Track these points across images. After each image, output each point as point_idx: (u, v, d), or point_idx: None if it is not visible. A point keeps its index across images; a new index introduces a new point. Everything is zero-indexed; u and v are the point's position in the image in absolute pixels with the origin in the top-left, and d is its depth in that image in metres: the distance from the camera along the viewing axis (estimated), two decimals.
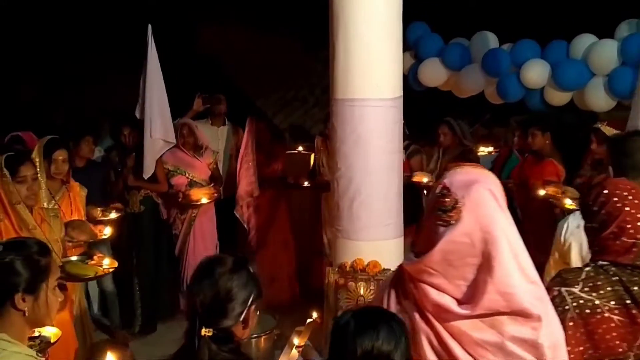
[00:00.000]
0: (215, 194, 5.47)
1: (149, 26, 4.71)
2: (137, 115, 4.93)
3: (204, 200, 5.37)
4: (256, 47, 9.36)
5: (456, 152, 5.45)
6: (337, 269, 3.57)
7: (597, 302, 2.08)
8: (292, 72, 9.26)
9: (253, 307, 1.96)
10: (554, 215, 4.76)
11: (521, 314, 1.78)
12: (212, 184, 5.54)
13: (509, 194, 5.06)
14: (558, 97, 5.25)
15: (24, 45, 9.54)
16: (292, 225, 5.94)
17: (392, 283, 2.03)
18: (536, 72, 5.18)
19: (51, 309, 1.97)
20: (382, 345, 1.65)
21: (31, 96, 9.73)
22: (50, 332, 2.64)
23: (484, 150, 6.13)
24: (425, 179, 5.23)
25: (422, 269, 1.84)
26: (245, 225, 5.71)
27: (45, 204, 3.63)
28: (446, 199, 1.81)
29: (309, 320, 3.97)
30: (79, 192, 4.07)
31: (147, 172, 5.03)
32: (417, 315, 1.87)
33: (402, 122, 3.71)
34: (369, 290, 3.42)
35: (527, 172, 5.22)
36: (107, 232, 4.14)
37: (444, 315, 1.82)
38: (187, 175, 5.48)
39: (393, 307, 1.94)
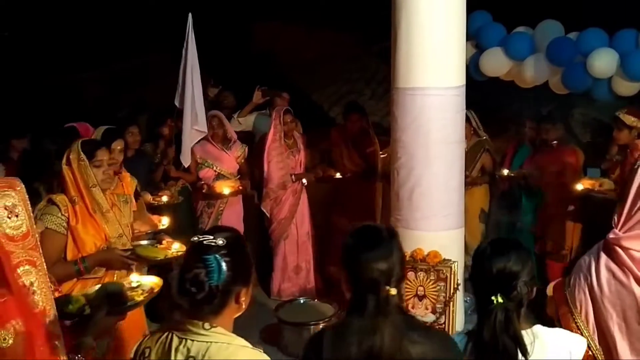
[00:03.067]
0: (240, 187, 5.45)
1: (189, 15, 4.70)
2: (177, 104, 4.91)
3: (226, 192, 5.38)
4: (310, 42, 9.40)
5: (471, 143, 5.53)
6: None
7: None
8: (347, 65, 9.25)
9: None
10: (575, 202, 5.04)
11: None
12: (237, 177, 5.52)
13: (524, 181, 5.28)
14: (626, 87, 5.07)
15: (86, 41, 9.85)
16: (314, 217, 5.93)
17: (597, 254, 2.57)
18: (604, 62, 5.00)
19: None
20: (512, 266, 1.99)
21: (95, 92, 10.05)
22: (150, 281, 2.71)
23: None
24: None
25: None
26: (270, 217, 5.64)
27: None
28: None
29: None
30: (130, 182, 4.15)
31: (187, 161, 5.03)
32: (631, 279, 2.44)
33: (465, 111, 3.65)
34: (428, 280, 3.38)
35: (541, 160, 5.36)
36: (165, 222, 4.20)
37: None
38: (214, 168, 5.47)
39: (604, 273, 2.51)
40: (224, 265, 1.83)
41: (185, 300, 1.82)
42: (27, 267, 1.95)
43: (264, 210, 5.63)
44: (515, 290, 1.98)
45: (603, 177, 4.79)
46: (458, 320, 3.41)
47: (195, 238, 1.88)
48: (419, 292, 3.41)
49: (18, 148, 4.91)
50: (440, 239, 3.49)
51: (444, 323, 3.34)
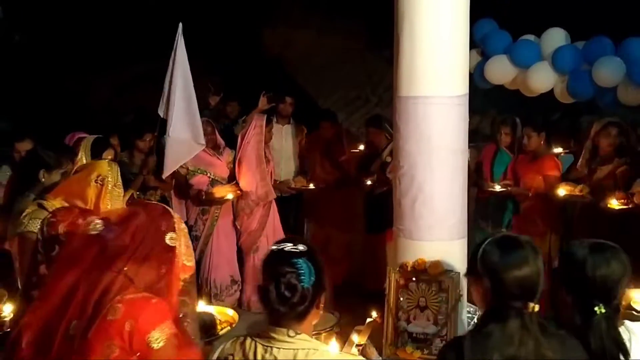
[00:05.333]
0: (239, 192, 5.44)
1: (180, 24, 4.61)
2: (161, 114, 4.78)
3: (229, 197, 5.34)
4: (318, 48, 9.42)
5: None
6: (398, 269, 3.52)
7: None
8: (354, 71, 9.26)
9: None
10: (552, 210, 5.12)
11: None
12: (233, 182, 5.51)
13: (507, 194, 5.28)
14: (632, 96, 5.04)
15: (92, 47, 9.89)
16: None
17: None
18: (610, 70, 4.98)
19: None
20: (614, 274, 2.00)
21: (101, 96, 10.09)
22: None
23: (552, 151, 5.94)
24: None
25: None
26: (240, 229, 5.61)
27: None
28: None
29: (369, 319, 3.95)
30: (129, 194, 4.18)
31: (167, 172, 4.93)
32: None
33: (468, 120, 3.63)
34: (430, 290, 3.36)
35: (521, 170, 5.39)
36: None
37: None
38: (208, 174, 5.46)
39: None
40: (312, 267, 1.90)
41: (283, 306, 1.88)
42: (185, 297, 2.08)
43: (237, 225, 5.56)
44: (616, 297, 2.00)
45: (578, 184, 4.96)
46: (460, 331, 3.38)
47: (274, 247, 1.98)
48: (420, 303, 3.38)
49: (20, 150, 4.90)
50: (443, 249, 3.46)
51: (446, 334, 3.31)
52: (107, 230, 2.01)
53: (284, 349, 1.88)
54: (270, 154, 5.89)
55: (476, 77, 5.63)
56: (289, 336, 1.89)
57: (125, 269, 1.94)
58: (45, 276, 2.27)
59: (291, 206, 6.03)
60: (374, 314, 4.00)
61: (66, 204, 3.07)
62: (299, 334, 1.90)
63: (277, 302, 1.88)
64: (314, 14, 9.43)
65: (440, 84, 3.44)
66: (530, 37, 5.61)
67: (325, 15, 9.35)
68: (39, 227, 2.98)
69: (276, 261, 1.94)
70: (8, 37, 12.04)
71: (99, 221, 2.05)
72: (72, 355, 1.87)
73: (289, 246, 1.95)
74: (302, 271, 1.89)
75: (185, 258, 2.06)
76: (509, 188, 5.35)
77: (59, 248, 2.30)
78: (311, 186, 5.86)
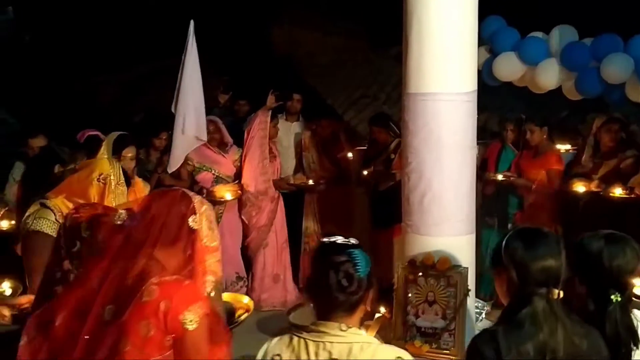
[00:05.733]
0: (240, 192, 5.45)
1: (191, 22, 4.65)
2: (173, 110, 4.80)
3: (228, 197, 5.34)
4: (325, 47, 9.44)
5: None
6: (406, 264, 3.55)
7: None
8: (361, 69, 9.27)
9: None
10: (556, 205, 5.19)
11: None
12: (237, 181, 5.53)
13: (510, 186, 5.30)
14: None
15: (101, 46, 9.95)
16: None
17: None
18: (618, 67, 4.98)
19: None
20: (629, 264, 2.06)
21: (111, 96, 10.15)
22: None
23: (560, 147, 5.96)
24: None
25: None
26: (248, 224, 5.62)
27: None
28: None
29: (377, 314, 3.98)
30: (142, 188, 4.18)
31: (173, 167, 4.92)
32: None
33: (476, 117, 3.65)
34: (439, 285, 3.39)
35: (524, 165, 5.43)
36: None
37: None
38: (212, 171, 5.47)
39: None
40: (367, 259, 1.93)
41: (341, 293, 1.88)
42: (210, 277, 2.13)
43: (244, 218, 5.60)
44: (629, 285, 2.08)
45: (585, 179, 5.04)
46: (468, 326, 3.41)
47: (326, 240, 2.00)
48: (428, 298, 3.41)
49: (34, 147, 4.98)
50: (451, 245, 3.49)
51: (454, 328, 3.34)
52: (131, 219, 2.07)
53: (337, 343, 1.87)
54: (277, 150, 5.92)
55: (484, 74, 5.63)
56: (341, 330, 1.88)
57: (154, 253, 1.99)
58: (70, 271, 2.30)
59: (291, 203, 6.06)
60: (382, 309, 4.03)
61: (69, 203, 3.08)
62: (350, 327, 1.89)
63: (337, 290, 1.88)
64: (318, 13, 9.47)
65: (448, 81, 3.47)
66: (539, 34, 5.61)
67: (328, 15, 9.39)
68: (50, 223, 3.02)
69: (331, 252, 1.95)
70: (18, 37, 12.13)
71: (122, 211, 2.11)
72: (106, 337, 1.92)
73: (340, 239, 1.98)
74: (358, 261, 1.91)
75: (208, 239, 2.10)
76: (512, 178, 5.38)
77: (80, 244, 2.33)
78: (310, 183, 5.88)
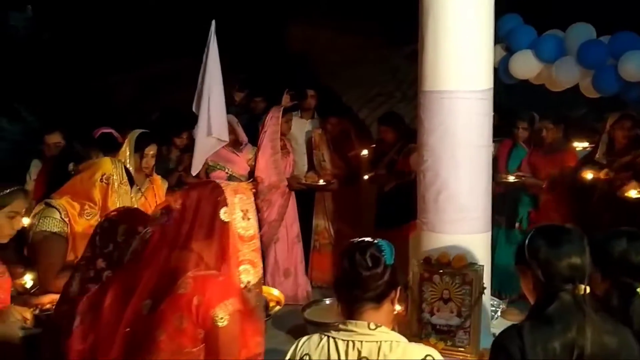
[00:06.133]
0: (254, 190, 5.47)
1: (213, 22, 4.66)
2: (195, 110, 4.88)
3: None
4: (340, 45, 9.44)
5: None
6: (421, 262, 3.55)
7: None
8: (377, 67, 9.25)
9: None
10: (572, 203, 5.14)
11: None
12: (250, 180, 5.55)
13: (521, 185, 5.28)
14: None
15: (118, 45, 10.03)
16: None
17: None
18: (635, 65, 4.94)
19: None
20: None
21: (127, 94, 10.23)
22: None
23: (578, 145, 5.93)
24: None
25: None
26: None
27: (132, 194, 3.77)
28: None
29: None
30: (160, 185, 4.23)
31: (196, 169, 5.01)
32: None
33: (492, 114, 3.65)
34: (454, 283, 3.38)
35: (538, 163, 5.41)
36: None
37: None
38: (226, 170, 5.51)
39: None
40: (393, 251, 1.99)
41: (366, 270, 1.93)
42: (247, 266, 2.14)
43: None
44: None
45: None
46: (483, 324, 3.41)
47: (353, 240, 2.07)
48: (444, 296, 3.41)
49: (50, 144, 5.02)
50: (466, 243, 3.48)
51: (469, 326, 3.34)
52: (167, 215, 2.11)
53: (366, 341, 1.88)
54: (292, 147, 5.95)
55: (501, 72, 5.62)
56: (369, 329, 1.90)
57: (192, 246, 2.04)
58: (103, 270, 2.35)
59: (302, 200, 6.09)
60: (397, 307, 4.03)
61: (74, 203, 3.15)
62: (380, 326, 1.91)
63: (362, 267, 1.93)
64: (333, 12, 9.48)
65: (464, 78, 3.46)
66: (556, 31, 5.58)
67: (343, 13, 9.39)
68: (56, 221, 3.05)
69: (359, 244, 2.02)
70: (37, 35, 12.25)
71: (159, 210, 2.17)
72: (144, 329, 1.98)
73: (368, 239, 2.04)
74: (384, 250, 1.97)
75: (242, 229, 2.12)
76: (523, 179, 5.37)
77: (114, 247, 2.38)
78: (321, 182, 5.89)
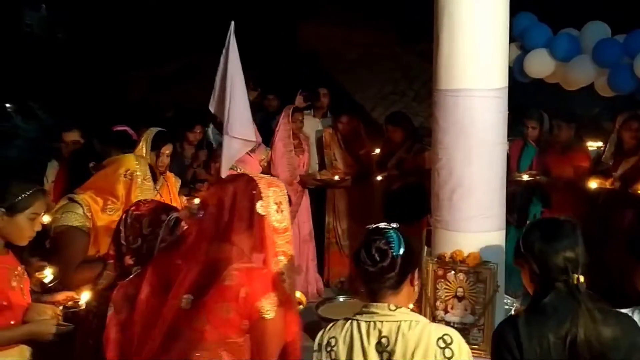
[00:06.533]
0: None
1: (232, 23, 4.62)
2: (212, 109, 4.74)
3: None
4: (353, 42, 9.45)
5: None
6: (435, 260, 3.56)
7: None
8: (389, 66, 9.26)
9: None
10: (584, 203, 5.15)
11: None
12: None
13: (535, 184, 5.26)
14: None
15: (132, 45, 10.09)
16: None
17: None
18: None
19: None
20: None
21: (141, 91, 10.30)
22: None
23: (592, 145, 5.92)
24: None
25: None
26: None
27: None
28: None
29: None
30: (174, 182, 4.25)
31: (224, 171, 4.87)
32: None
33: (507, 113, 3.65)
34: (468, 281, 3.39)
35: (551, 162, 5.42)
36: None
37: None
38: (237, 170, 5.51)
39: None
40: (402, 239, 2.03)
41: (373, 266, 1.99)
42: (282, 257, 2.20)
43: None
44: None
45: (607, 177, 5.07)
46: (497, 322, 3.40)
47: (372, 225, 2.12)
48: (458, 293, 3.42)
49: (68, 142, 4.99)
50: (481, 241, 3.48)
51: (483, 324, 3.34)
52: (204, 210, 2.17)
53: (387, 321, 1.96)
54: (307, 144, 5.96)
55: (515, 71, 5.60)
56: (389, 309, 1.97)
57: (232, 239, 2.09)
58: (131, 267, 2.38)
59: (316, 198, 6.11)
60: (410, 304, 4.04)
61: (97, 198, 3.15)
62: (400, 307, 1.98)
63: (368, 263, 1.99)
64: (346, 9, 9.49)
65: (479, 77, 3.46)
66: (571, 30, 5.56)
67: (356, 10, 9.40)
68: (78, 216, 3.06)
69: (370, 233, 2.08)
70: (51, 33, 12.35)
71: (195, 205, 2.25)
72: (185, 322, 2.02)
73: (383, 224, 2.09)
74: (392, 240, 2.01)
75: (277, 221, 2.17)
76: (537, 177, 5.36)
77: (142, 241, 2.41)
78: (336, 178, 5.91)
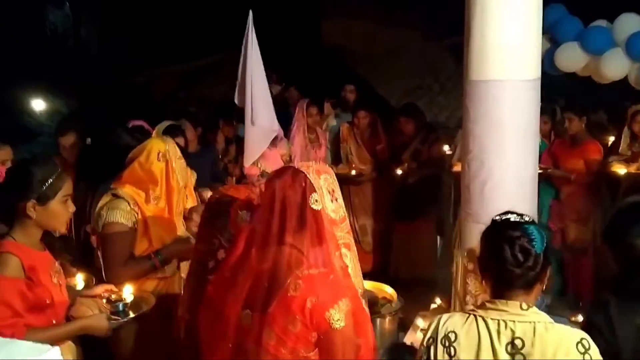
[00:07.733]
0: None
1: (250, 12, 4.59)
2: (237, 102, 4.73)
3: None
4: (379, 37, 9.41)
5: None
6: (465, 253, 3.51)
7: None
8: (415, 60, 9.22)
9: None
10: (597, 194, 5.24)
11: None
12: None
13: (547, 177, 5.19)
14: None
15: (160, 42, 10.15)
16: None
17: None
18: None
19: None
20: None
21: (166, 90, 10.37)
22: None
23: (608, 138, 5.86)
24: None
25: None
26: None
27: None
28: None
29: (433, 305, 3.95)
30: (190, 176, 4.22)
31: (249, 161, 4.85)
32: None
33: (540, 104, 3.59)
34: None
35: (561, 154, 5.41)
36: None
37: None
38: (258, 165, 5.47)
39: None
40: (542, 234, 1.93)
41: (518, 268, 1.88)
42: (344, 250, 2.05)
43: None
44: None
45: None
46: None
47: (497, 217, 2.02)
48: None
49: (66, 146, 4.68)
50: None
51: None
52: (253, 214, 2.02)
53: (519, 322, 1.85)
54: (325, 138, 5.95)
55: (546, 64, 5.51)
56: (522, 309, 1.87)
57: (288, 240, 1.92)
58: (222, 260, 2.27)
59: None
60: (438, 300, 4.00)
61: (139, 190, 3.08)
62: (531, 307, 1.88)
63: (512, 264, 1.87)
64: (372, 4, 9.46)
65: (512, 68, 3.40)
66: (602, 22, 5.46)
67: (381, 6, 9.36)
68: (125, 213, 3.02)
69: (505, 228, 1.95)
70: (75, 31, 12.47)
71: (242, 212, 2.10)
72: (247, 337, 1.90)
73: (513, 216, 1.98)
74: (534, 237, 1.90)
75: (333, 212, 2.01)
76: (549, 170, 5.30)
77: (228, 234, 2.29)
78: (352, 173, 5.88)
